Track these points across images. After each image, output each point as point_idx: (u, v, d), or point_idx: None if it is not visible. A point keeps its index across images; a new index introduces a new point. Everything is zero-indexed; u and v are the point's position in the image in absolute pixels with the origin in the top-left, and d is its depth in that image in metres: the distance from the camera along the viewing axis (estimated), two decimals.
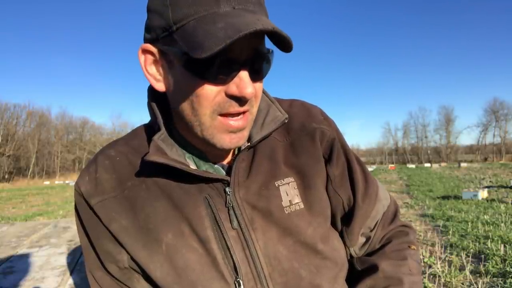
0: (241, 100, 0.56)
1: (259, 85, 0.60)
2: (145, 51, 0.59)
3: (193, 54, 0.50)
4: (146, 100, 0.67)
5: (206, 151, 0.66)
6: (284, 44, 0.54)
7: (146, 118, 0.72)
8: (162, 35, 0.56)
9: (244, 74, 0.55)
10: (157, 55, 0.59)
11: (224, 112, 0.57)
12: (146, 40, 0.60)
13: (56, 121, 52.49)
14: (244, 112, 0.59)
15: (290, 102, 0.76)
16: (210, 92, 0.55)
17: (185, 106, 0.58)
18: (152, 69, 0.60)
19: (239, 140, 0.60)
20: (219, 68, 0.53)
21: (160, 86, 0.61)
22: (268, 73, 0.61)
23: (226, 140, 0.59)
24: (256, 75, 0.58)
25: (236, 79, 0.55)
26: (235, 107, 0.57)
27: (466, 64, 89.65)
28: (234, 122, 0.58)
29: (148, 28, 0.59)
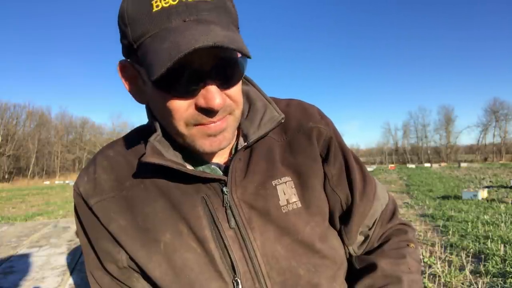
0: (211, 112, 0.56)
1: (234, 90, 0.58)
2: (123, 67, 0.61)
3: (148, 76, 0.51)
4: None
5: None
6: (241, 52, 0.51)
7: (146, 119, 0.72)
8: (130, 53, 0.57)
9: (209, 86, 0.54)
10: (133, 70, 0.60)
11: (198, 123, 0.57)
12: (123, 55, 0.61)
13: (56, 121, 52.52)
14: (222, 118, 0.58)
15: (287, 101, 0.76)
16: (180, 106, 0.55)
17: (162, 119, 0.60)
18: (132, 85, 0.62)
19: (221, 142, 0.60)
20: (184, 82, 0.53)
21: (142, 99, 0.63)
22: (243, 75, 0.60)
23: (206, 145, 0.59)
24: (227, 83, 0.57)
25: (202, 91, 0.55)
26: (207, 119, 0.56)
27: (466, 64, 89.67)
28: (211, 126, 0.58)
29: (122, 45, 0.60)
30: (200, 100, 0.55)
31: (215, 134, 0.59)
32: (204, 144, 0.59)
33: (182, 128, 0.58)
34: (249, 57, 0.53)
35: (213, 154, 0.67)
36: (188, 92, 0.54)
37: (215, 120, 0.57)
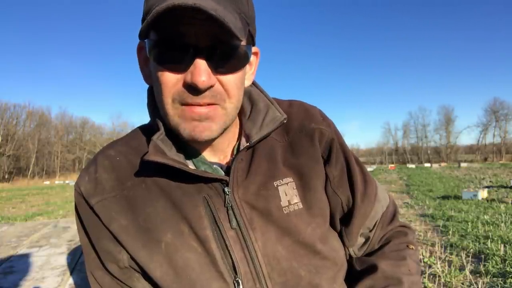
0: (196, 90, 0.54)
1: (228, 78, 0.57)
2: (140, 49, 0.63)
3: (140, 36, 0.54)
4: (146, 100, 0.68)
5: (204, 151, 0.66)
6: (224, 28, 0.50)
7: (146, 119, 0.72)
8: (143, 28, 0.56)
9: (200, 62, 0.53)
10: (144, 50, 0.60)
11: (183, 102, 0.56)
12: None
13: (56, 121, 52.50)
14: (208, 105, 0.57)
15: (289, 102, 0.76)
16: (169, 80, 0.56)
17: (157, 98, 0.60)
18: (145, 66, 0.63)
19: (204, 130, 0.57)
20: (176, 55, 0.54)
21: (149, 82, 0.64)
22: (243, 66, 0.59)
23: (189, 129, 0.57)
24: (221, 67, 0.56)
25: (191, 67, 0.54)
26: (193, 98, 0.55)
27: (466, 64, 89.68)
28: (196, 109, 0.56)
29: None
30: (187, 75, 0.54)
31: (199, 119, 0.57)
32: (187, 128, 0.57)
33: (169, 106, 0.57)
34: (237, 37, 0.51)
35: (215, 154, 0.67)
36: (177, 66, 0.55)
37: (200, 102, 0.55)
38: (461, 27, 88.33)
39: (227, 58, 0.56)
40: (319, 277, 0.65)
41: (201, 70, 0.53)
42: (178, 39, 0.53)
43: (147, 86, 0.68)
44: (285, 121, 0.68)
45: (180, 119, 0.58)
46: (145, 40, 0.57)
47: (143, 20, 0.58)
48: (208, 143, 0.65)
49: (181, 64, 0.54)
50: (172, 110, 0.57)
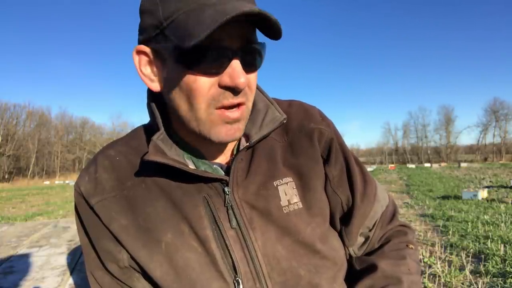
0: (234, 91, 0.56)
1: (253, 77, 0.60)
2: (139, 52, 0.60)
3: (182, 44, 0.51)
4: (146, 100, 0.67)
5: (204, 151, 0.66)
6: (273, 30, 0.54)
7: (145, 119, 0.72)
8: (154, 33, 0.57)
9: (236, 64, 0.55)
10: (150, 55, 0.59)
11: (219, 105, 0.57)
12: (139, 42, 0.61)
13: (56, 121, 52.51)
14: (239, 105, 0.59)
15: (288, 102, 0.76)
16: (204, 85, 0.55)
17: (181, 103, 0.58)
18: (147, 70, 0.61)
19: (235, 132, 0.60)
20: (210, 59, 0.54)
21: (155, 86, 0.61)
22: (260, 67, 0.61)
23: (222, 133, 0.59)
24: (249, 66, 0.58)
25: (228, 69, 0.55)
26: (229, 99, 0.57)
27: (466, 64, 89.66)
28: (230, 113, 0.58)
29: (141, 30, 0.60)
30: (225, 78, 0.55)
31: (232, 122, 0.59)
32: (220, 132, 0.58)
33: (202, 111, 0.57)
34: (279, 37, 0.55)
35: (216, 154, 0.67)
36: (213, 71, 0.55)
37: (235, 102, 0.57)
38: (461, 27, 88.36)
39: (254, 57, 0.58)
40: (319, 276, 0.66)
41: (239, 72, 0.55)
42: (214, 42, 0.53)
43: (146, 86, 0.68)
44: (285, 121, 0.68)
45: (212, 123, 0.58)
46: (162, 45, 0.56)
47: (153, 24, 0.56)
48: (212, 143, 0.65)
49: (217, 68, 0.55)
50: (205, 115, 0.57)
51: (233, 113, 0.58)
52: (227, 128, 0.59)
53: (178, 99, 0.58)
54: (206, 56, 0.53)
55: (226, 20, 0.48)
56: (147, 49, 0.59)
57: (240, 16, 0.49)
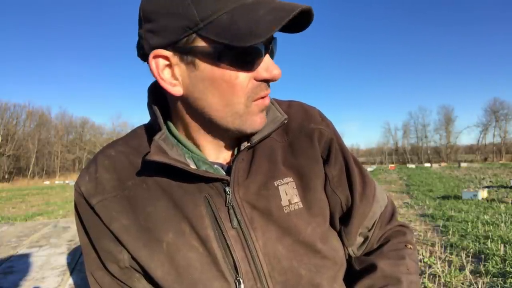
0: (268, 83, 0.60)
1: None
2: (157, 57, 0.58)
3: (241, 43, 0.51)
4: (146, 100, 0.67)
5: (205, 151, 0.67)
6: (302, 25, 0.57)
7: (145, 119, 0.72)
8: (183, 35, 0.54)
9: (268, 58, 0.59)
10: (172, 58, 0.57)
11: (257, 97, 0.60)
12: (154, 46, 0.57)
13: (56, 121, 52.52)
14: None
15: (288, 103, 0.76)
16: (244, 80, 0.57)
17: (215, 102, 0.58)
18: (166, 74, 0.59)
19: (265, 119, 0.64)
20: (249, 55, 0.56)
21: (177, 90, 0.59)
22: None
23: (257, 122, 0.62)
24: (272, 58, 0.61)
25: (263, 64, 0.58)
26: (264, 91, 0.60)
27: (466, 64, 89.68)
28: (264, 101, 0.62)
29: (156, 32, 0.56)
30: (261, 72, 0.58)
31: (264, 110, 0.63)
32: (255, 122, 0.62)
33: (241, 106, 0.59)
34: (302, 30, 0.59)
35: (216, 154, 0.67)
36: (251, 66, 0.57)
37: (268, 93, 0.61)
38: (461, 27, 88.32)
39: (274, 51, 0.61)
40: (320, 276, 0.66)
41: (274, 64, 0.59)
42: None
43: (146, 86, 0.68)
44: (285, 121, 0.68)
45: (249, 115, 0.61)
46: (194, 46, 0.55)
47: (186, 27, 0.53)
48: (215, 143, 0.66)
49: (255, 63, 0.57)
50: (243, 108, 0.59)
51: (266, 101, 0.62)
52: (261, 117, 0.63)
53: (212, 98, 0.58)
54: (246, 53, 0.55)
55: (293, 16, 0.51)
56: (167, 53, 0.57)
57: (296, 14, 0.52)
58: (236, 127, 0.61)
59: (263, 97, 0.61)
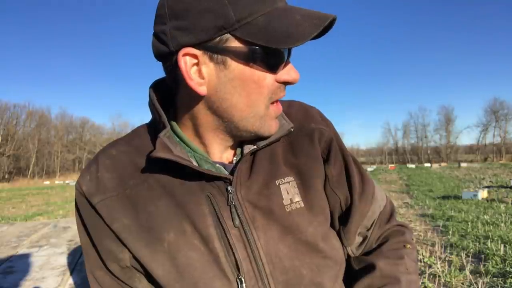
0: (286, 86, 0.62)
1: None
2: (186, 55, 0.57)
3: (279, 45, 0.54)
4: (146, 100, 0.67)
5: (208, 150, 0.67)
6: (323, 33, 0.59)
7: (146, 118, 0.72)
8: (217, 35, 0.55)
9: (289, 61, 0.61)
10: (201, 57, 0.57)
11: (274, 99, 0.62)
12: (183, 44, 0.57)
13: (56, 121, 52.53)
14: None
15: (288, 103, 0.76)
16: (269, 81, 0.59)
17: (240, 102, 0.59)
18: (193, 73, 0.59)
19: (278, 126, 0.66)
20: (276, 58, 0.58)
21: (203, 90, 0.59)
22: None
23: (273, 126, 0.64)
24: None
25: (285, 68, 0.60)
26: (283, 92, 0.63)
27: (466, 64, 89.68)
28: (279, 106, 0.64)
29: (187, 30, 0.56)
30: (284, 74, 0.60)
31: (277, 117, 0.65)
32: (271, 126, 0.64)
33: (262, 107, 0.61)
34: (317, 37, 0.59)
35: (218, 153, 0.67)
36: (277, 68, 0.59)
37: (283, 95, 0.63)
38: (461, 27, 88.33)
39: (291, 54, 0.62)
40: (321, 275, 0.66)
41: (294, 68, 0.61)
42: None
43: (147, 86, 0.68)
44: (292, 129, 0.69)
45: (267, 117, 0.62)
46: (226, 46, 0.55)
47: (221, 26, 0.54)
48: (221, 143, 0.66)
49: (278, 66, 0.59)
50: (264, 110, 0.61)
51: (279, 106, 0.64)
52: (276, 122, 0.65)
53: (238, 97, 0.59)
54: (274, 55, 0.57)
55: (329, 23, 0.54)
56: (197, 52, 0.57)
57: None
58: (255, 129, 0.62)
59: (277, 102, 0.63)
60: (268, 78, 0.59)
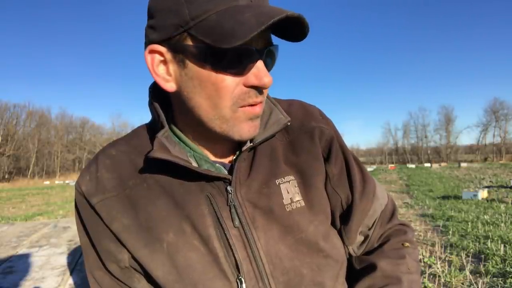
0: (258, 90, 0.58)
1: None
2: (152, 52, 0.58)
3: (220, 44, 0.51)
4: (146, 100, 0.67)
5: (207, 150, 0.67)
6: (300, 34, 0.56)
7: (146, 118, 0.72)
8: (176, 33, 0.55)
9: (260, 64, 0.57)
10: (166, 55, 0.58)
11: (244, 104, 0.58)
12: (151, 41, 0.58)
13: (56, 121, 52.51)
14: (261, 103, 0.61)
15: (288, 102, 0.76)
16: (230, 84, 0.56)
17: (203, 102, 0.58)
18: (160, 70, 0.60)
19: (256, 128, 0.62)
20: (239, 59, 0.54)
21: (170, 86, 0.60)
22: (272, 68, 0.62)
23: (245, 130, 0.60)
24: (267, 67, 0.59)
25: (254, 70, 0.56)
26: (253, 98, 0.58)
27: (466, 64, 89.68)
28: (253, 109, 0.59)
29: (154, 28, 0.57)
30: (251, 78, 0.56)
31: (253, 119, 0.60)
32: (243, 129, 0.60)
33: (227, 110, 0.58)
34: (302, 39, 0.58)
35: (219, 153, 0.67)
36: (239, 70, 0.55)
37: (258, 101, 0.59)
38: (461, 27, 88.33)
39: (272, 58, 0.60)
40: (322, 275, 0.66)
41: (265, 71, 0.57)
42: (244, 43, 0.52)
43: (147, 86, 0.68)
44: (289, 123, 0.68)
45: (236, 120, 0.59)
46: (185, 44, 0.55)
47: (176, 23, 0.54)
48: (215, 142, 0.66)
49: (244, 68, 0.56)
50: (230, 113, 0.58)
51: (255, 109, 0.60)
52: (249, 125, 0.60)
53: (199, 98, 0.58)
54: (236, 56, 0.54)
55: (272, 22, 0.49)
56: (162, 49, 0.58)
57: (281, 20, 0.50)
58: (223, 131, 0.60)
59: (252, 105, 0.59)
60: (227, 81, 0.55)
